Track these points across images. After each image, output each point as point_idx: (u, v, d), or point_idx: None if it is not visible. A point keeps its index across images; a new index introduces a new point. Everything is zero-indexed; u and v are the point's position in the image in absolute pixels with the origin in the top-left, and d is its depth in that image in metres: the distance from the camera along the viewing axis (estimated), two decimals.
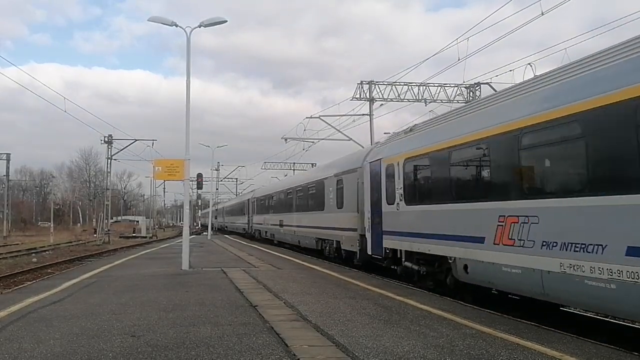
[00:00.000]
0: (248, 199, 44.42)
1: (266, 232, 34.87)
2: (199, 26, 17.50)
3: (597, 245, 6.72)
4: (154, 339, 6.91)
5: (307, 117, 33.61)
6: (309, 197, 23.65)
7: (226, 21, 17.70)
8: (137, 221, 79.52)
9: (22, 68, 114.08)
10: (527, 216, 8.00)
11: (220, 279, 13.59)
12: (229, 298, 10.32)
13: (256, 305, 9.35)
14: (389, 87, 30.08)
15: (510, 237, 8.36)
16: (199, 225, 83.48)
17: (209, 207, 66.32)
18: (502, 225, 8.57)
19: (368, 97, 30.23)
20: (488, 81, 25.06)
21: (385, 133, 22.91)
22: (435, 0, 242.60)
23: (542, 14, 17.47)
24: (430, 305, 9.41)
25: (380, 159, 14.14)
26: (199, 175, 25.61)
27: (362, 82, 30.32)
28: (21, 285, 14.58)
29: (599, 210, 6.77)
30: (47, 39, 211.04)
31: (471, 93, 30.10)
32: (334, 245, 19.37)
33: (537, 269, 7.74)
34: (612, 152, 6.74)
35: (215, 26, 17.77)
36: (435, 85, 30.22)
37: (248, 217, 43.50)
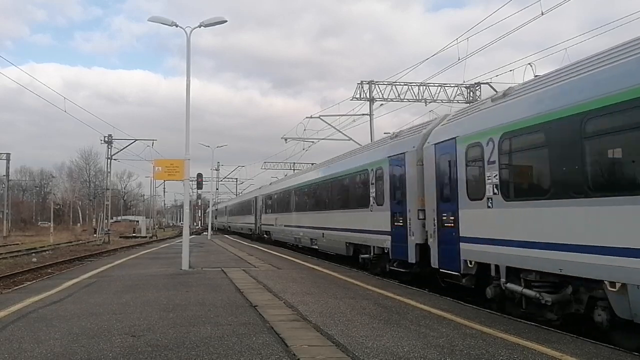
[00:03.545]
0: (225, 206, 69.47)
1: (233, 227, 58.29)
2: (199, 26, 17.51)
3: (272, 223, 32.59)
4: (154, 339, 6.92)
5: (307, 117, 33.95)
6: (243, 208, 48.58)
7: (226, 21, 17.70)
8: (137, 221, 79.44)
9: (22, 68, 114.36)
10: (276, 217, 31.12)
11: (220, 279, 13.61)
12: (229, 298, 10.34)
13: (256, 305, 9.36)
14: (389, 87, 30.08)
15: (277, 223, 30.78)
16: (200, 225, 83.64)
17: (208, 207, 67.48)
18: (276, 219, 31.17)
19: (368, 97, 30.22)
20: (488, 81, 25.06)
21: (385, 133, 23.01)
22: (435, 0, 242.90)
23: (542, 14, 17.52)
24: (430, 305, 9.43)
25: (260, 194, 37.27)
26: (199, 175, 25.55)
27: (362, 82, 30.34)
28: (21, 285, 14.55)
29: (273, 216, 32.58)
30: (47, 39, 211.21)
31: (471, 93, 30.09)
32: (252, 230, 41.11)
33: (278, 230, 30.92)
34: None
35: (215, 26, 17.79)
36: (435, 85, 30.22)
37: (226, 218, 66.11)
